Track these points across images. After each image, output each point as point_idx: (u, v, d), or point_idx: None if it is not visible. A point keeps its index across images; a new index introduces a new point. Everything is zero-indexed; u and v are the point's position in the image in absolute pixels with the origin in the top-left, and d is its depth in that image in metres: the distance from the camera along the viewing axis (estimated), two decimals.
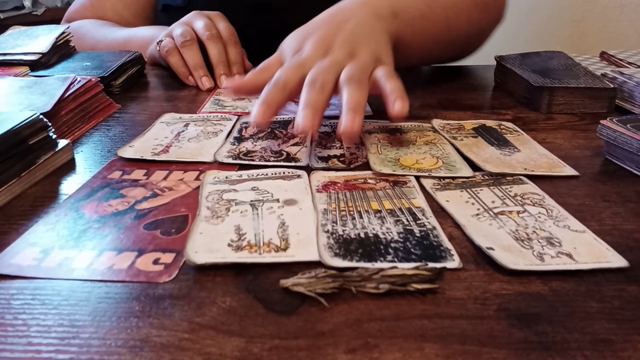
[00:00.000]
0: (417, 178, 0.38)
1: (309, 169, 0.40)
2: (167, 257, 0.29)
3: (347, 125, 0.39)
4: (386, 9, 0.55)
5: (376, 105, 0.58)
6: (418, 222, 0.32)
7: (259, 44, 0.72)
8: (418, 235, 0.31)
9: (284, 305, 0.25)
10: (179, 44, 0.66)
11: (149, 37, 0.75)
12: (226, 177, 0.39)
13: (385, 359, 0.22)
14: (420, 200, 0.35)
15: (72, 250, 0.30)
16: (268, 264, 0.28)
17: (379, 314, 0.25)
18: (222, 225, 0.32)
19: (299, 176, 0.39)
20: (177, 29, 0.67)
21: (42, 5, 2.03)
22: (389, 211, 0.33)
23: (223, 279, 0.27)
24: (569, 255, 0.29)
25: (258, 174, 0.39)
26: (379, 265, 0.28)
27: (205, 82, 0.65)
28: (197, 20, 0.68)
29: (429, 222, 0.32)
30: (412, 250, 0.29)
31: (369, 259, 0.28)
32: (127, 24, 0.88)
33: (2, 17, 1.90)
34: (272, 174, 0.39)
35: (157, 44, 0.69)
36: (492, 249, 0.29)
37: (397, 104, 0.41)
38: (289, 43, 0.51)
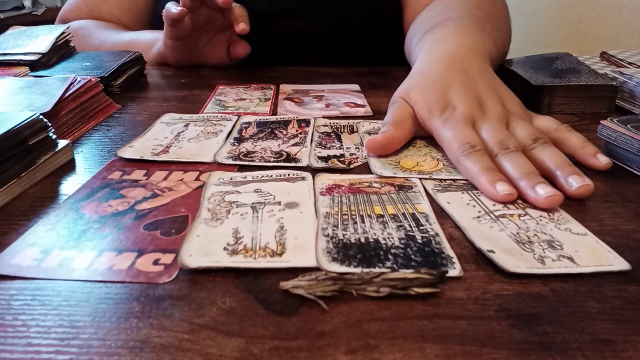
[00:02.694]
0: (422, 182, 0.38)
1: (312, 171, 0.40)
2: (167, 258, 0.29)
3: (587, 184, 0.36)
4: (488, 49, 0.54)
5: (376, 105, 0.58)
6: (421, 227, 0.32)
7: (265, 50, 0.73)
8: (420, 241, 0.30)
9: (284, 305, 0.25)
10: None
11: (153, 40, 0.76)
12: (230, 179, 0.38)
13: (385, 359, 0.22)
14: (424, 206, 0.35)
15: (72, 251, 0.30)
16: (262, 269, 0.28)
17: (379, 315, 0.25)
18: (220, 227, 0.32)
19: (303, 178, 0.38)
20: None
21: (42, 5, 2.04)
22: (392, 216, 0.33)
23: (223, 279, 0.27)
24: (570, 259, 0.29)
25: (262, 176, 0.39)
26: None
27: None
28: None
29: (432, 228, 0.32)
30: (413, 257, 0.29)
31: (367, 264, 0.28)
32: (125, 26, 0.87)
33: (2, 17, 1.90)
34: (277, 175, 0.39)
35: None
36: (492, 251, 0.29)
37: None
38: (428, 97, 0.45)
